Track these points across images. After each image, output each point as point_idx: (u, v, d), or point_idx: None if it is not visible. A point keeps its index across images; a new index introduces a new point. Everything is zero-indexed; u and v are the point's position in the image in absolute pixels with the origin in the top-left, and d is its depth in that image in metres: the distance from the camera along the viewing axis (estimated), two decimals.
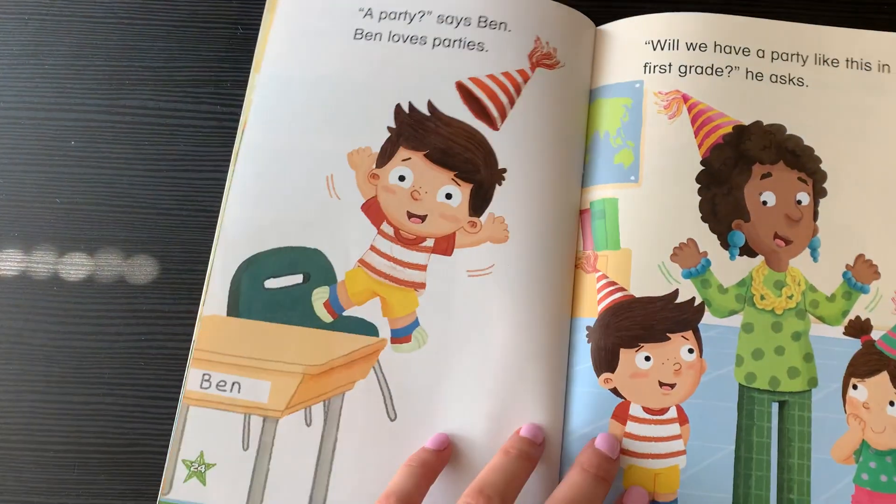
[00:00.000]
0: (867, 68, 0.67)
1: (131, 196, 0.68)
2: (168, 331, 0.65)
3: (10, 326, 0.66)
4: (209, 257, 0.64)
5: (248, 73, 0.69)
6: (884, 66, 0.67)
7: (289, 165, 0.64)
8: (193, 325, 0.63)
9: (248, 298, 0.62)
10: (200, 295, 0.63)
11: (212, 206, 0.67)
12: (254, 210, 0.64)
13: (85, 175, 0.69)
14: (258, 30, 0.69)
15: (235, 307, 0.62)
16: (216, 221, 0.65)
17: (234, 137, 0.67)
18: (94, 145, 0.70)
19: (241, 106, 0.69)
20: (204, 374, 0.60)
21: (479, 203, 0.64)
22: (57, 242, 0.67)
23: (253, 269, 0.62)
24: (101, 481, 0.62)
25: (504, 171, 0.64)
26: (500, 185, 0.64)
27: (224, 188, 0.65)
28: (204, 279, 0.63)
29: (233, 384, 0.60)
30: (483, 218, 0.63)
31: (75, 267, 0.67)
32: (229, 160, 0.67)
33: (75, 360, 0.65)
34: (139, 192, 0.68)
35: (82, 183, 0.69)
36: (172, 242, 0.67)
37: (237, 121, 0.68)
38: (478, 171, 0.64)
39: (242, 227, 0.63)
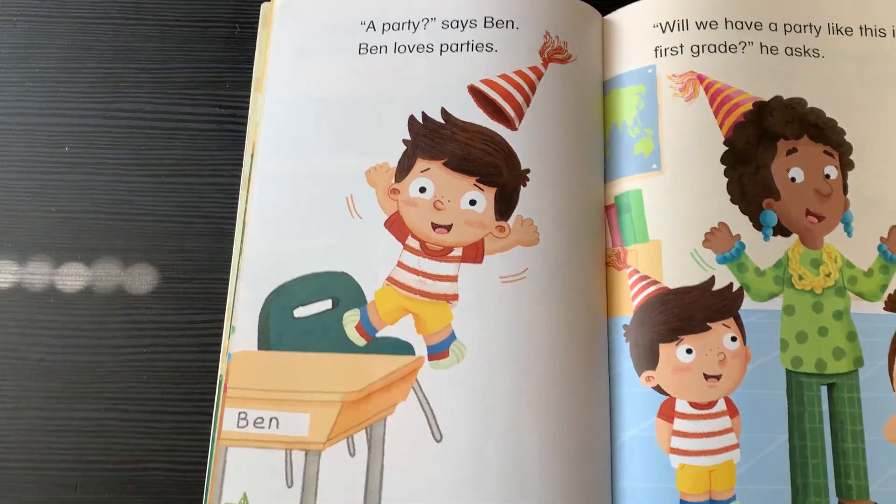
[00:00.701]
0: (882, 34, 0.60)
1: (129, 203, 0.62)
2: (171, 342, 0.59)
3: (6, 341, 0.60)
4: (212, 266, 0.60)
5: (248, 72, 0.63)
6: None
7: (306, 190, 0.58)
8: (196, 335, 0.59)
9: (278, 330, 0.55)
10: (202, 304, 0.59)
11: (213, 212, 0.62)
12: (276, 240, 0.58)
13: (80, 182, 0.63)
14: (256, 28, 0.63)
15: (266, 340, 0.55)
16: (218, 228, 0.61)
17: (235, 140, 0.63)
18: (90, 151, 0.64)
19: (240, 108, 0.63)
20: (240, 413, 0.54)
21: (504, 206, 0.57)
22: (53, 252, 0.61)
23: (281, 300, 0.56)
24: (104, 500, 0.57)
25: (527, 171, 0.57)
26: (524, 186, 0.57)
27: (230, 196, 0.61)
28: (206, 288, 0.60)
29: (270, 420, 0.54)
30: (511, 221, 0.57)
31: (72, 277, 0.61)
32: (230, 163, 0.62)
33: (75, 375, 0.59)
34: (137, 198, 0.62)
35: (78, 190, 0.63)
36: (173, 250, 0.61)
37: (237, 123, 0.63)
38: (500, 174, 0.57)
39: (266, 258, 0.57)
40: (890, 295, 0.55)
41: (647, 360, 0.54)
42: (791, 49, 0.60)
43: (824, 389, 0.54)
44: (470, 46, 0.60)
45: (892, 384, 0.54)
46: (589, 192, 0.58)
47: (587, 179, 0.58)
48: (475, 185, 0.57)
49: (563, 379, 0.54)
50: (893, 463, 0.53)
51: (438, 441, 0.53)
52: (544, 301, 0.55)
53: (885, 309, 0.55)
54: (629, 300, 0.56)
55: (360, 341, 0.55)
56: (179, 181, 0.63)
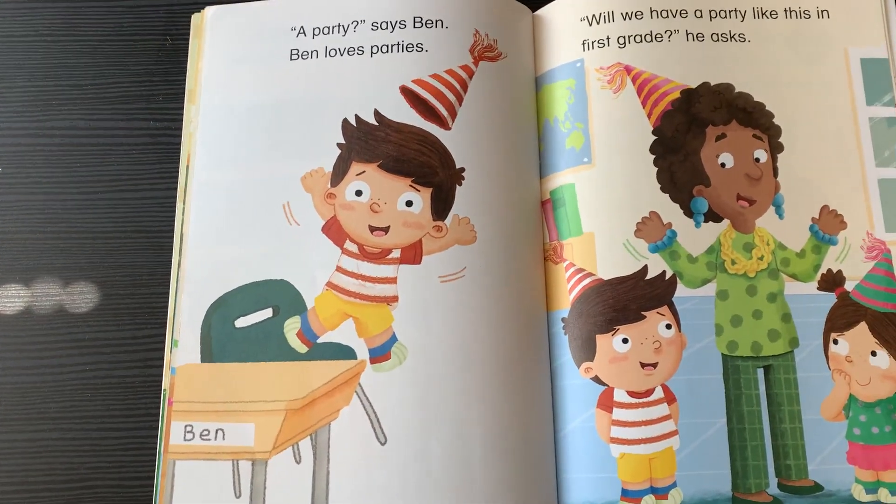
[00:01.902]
0: (806, 16, 0.59)
1: (66, 221, 0.59)
2: (114, 359, 0.57)
3: None
4: (152, 280, 0.57)
5: (181, 84, 0.60)
6: (822, 11, 0.59)
7: (243, 199, 0.56)
8: (139, 350, 0.56)
9: (220, 342, 0.53)
10: (143, 319, 0.57)
11: (151, 226, 0.59)
12: (215, 250, 0.55)
13: (16, 202, 0.60)
14: (188, 39, 0.61)
15: (209, 352, 0.53)
16: (156, 242, 0.58)
17: (170, 153, 0.60)
18: (24, 170, 0.61)
19: (174, 120, 0.60)
20: (186, 426, 0.52)
21: (441, 206, 0.55)
22: None
23: (222, 311, 0.54)
24: None
25: (462, 170, 0.55)
26: (459, 185, 0.55)
27: (168, 209, 0.58)
28: (147, 302, 0.57)
29: (216, 431, 0.52)
30: (448, 221, 0.55)
31: (11, 299, 0.58)
32: (166, 176, 0.60)
33: (17, 396, 0.56)
34: (74, 216, 0.59)
35: (14, 211, 0.60)
36: (113, 266, 0.58)
37: (171, 135, 0.60)
38: (435, 174, 0.55)
39: (205, 269, 0.55)
40: (823, 275, 0.54)
41: (585, 351, 0.53)
42: (717, 35, 0.58)
43: (761, 372, 0.53)
44: (400, 47, 0.58)
45: (828, 363, 0.53)
46: (524, 188, 0.56)
47: (522, 176, 0.56)
48: (411, 185, 0.55)
49: (505, 375, 0.52)
50: (830, 441, 0.51)
51: (383, 444, 0.51)
52: (484, 299, 0.53)
53: (818, 289, 0.54)
54: (567, 293, 0.54)
55: (301, 348, 0.53)
56: (116, 197, 0.60)
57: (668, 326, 0.53)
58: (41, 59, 0.63)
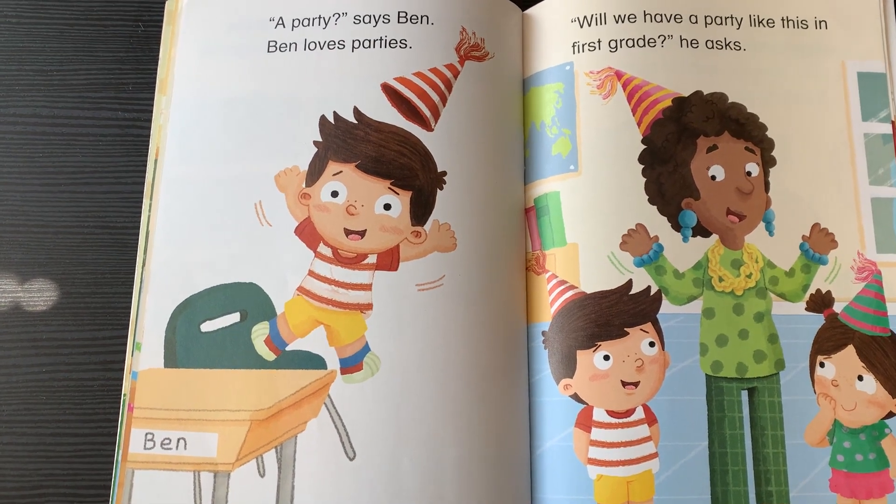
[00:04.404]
0: (804, 26, 0.58)
1: (25, 214, 0.58)
2: (72, 360, 0.55)
3: None
4: (115, 279, 0.56)
5: (152, 74, 0.59)
6: (821, 22, 0.58)
7: (213, 197, 0.55)
8: (99, 352, 0.55)
9: (185, 346, 0.52)
10: (104, 319, 0.56)
11: (115, 222, 0.58)
12: (182, 250, 0.54)
13: None
14: (160, 26, 0.59)
15: (173, 357, 0.52)
16: (120, 239, 0.57)
17: (138, 146, 0.59)
18: None
19: (144, 111, 0.59)
20: (147, 434, 0.51)
21: (420, 210, 0.54)
22: None
23: (187, 314, 0.53)
24: None
25: (444, 174, 0.54)
26: (441, 189, 0.54)
27: (134, 205, 0.57)
28: (109, 302, 0.56)
29: (178, 440, 0.51)
30: (427, 226, 0.54)
31: None
32: (133, 170, 0.59)
33: None
34: (34, 209, 0.58)
35: None
36: (73, 263, 0.57)
37: (141, 127, 0.59)
38: (416, 177, 0.54)
39: (172, 269, 0.54)
40: (811, 295, 0.54)
41: (565, 367, 0.52)
42: (712, 42, 0.57)
43: (745, 394, 0.52)
44: (383, 43, 0.57)
45: (813, 386, 0.52)
46: (508, 194, 0.56)
47: (506, 182, 0.56)
48: (390, 188, 0.54)
49: (482, 390, 0.51)
50: (813, 467, 0.51)
51: (352, 459, 0.50)
52: (462, 309, 0.52)
53: (806, 309, 0.54)
54: (548, 306, 0.53)
55: (269, 356, 0.52)
56: (79, 190, 0.59)
57: (652, 344, 0.52)
58: (4, 41, 0.62)
